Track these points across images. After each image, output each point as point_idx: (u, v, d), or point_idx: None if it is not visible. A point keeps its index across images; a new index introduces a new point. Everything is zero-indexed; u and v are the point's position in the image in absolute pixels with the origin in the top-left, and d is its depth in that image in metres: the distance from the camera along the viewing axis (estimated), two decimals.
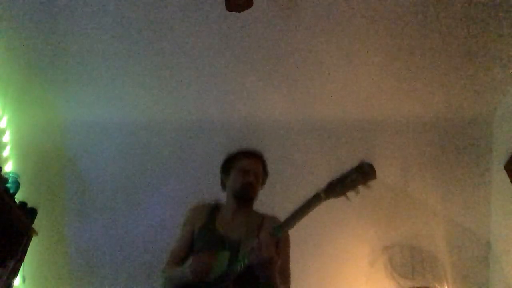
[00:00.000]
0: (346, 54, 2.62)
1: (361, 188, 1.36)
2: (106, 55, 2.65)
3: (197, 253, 1.58)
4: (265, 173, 1.82)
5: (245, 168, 1.73)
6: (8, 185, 2.45)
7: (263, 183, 1.82)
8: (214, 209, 1.74)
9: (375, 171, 1.33)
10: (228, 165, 1.81)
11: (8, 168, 2.67)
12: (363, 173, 1.35)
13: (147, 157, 3.15)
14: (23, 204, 2.55)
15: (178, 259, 1.62)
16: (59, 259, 3.14)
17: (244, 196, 1.70)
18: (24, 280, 2.61)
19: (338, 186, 1.39)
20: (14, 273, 2.40)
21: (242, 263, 1.41)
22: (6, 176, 2.48)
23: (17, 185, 2.53)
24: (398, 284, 3.06)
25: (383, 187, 3.10)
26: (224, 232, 1.61)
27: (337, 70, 2.72)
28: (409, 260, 3.10)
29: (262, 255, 1.35)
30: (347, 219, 3.17)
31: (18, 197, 2.52)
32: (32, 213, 2.61)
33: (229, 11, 1.99)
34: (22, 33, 2.50)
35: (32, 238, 2.56)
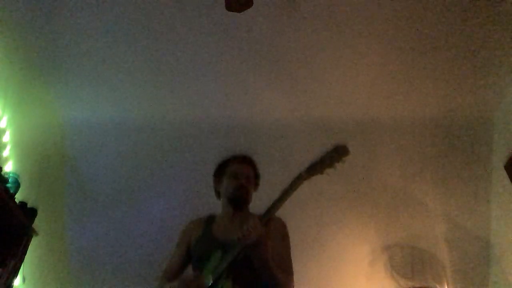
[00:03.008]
0: (346, 54, 2.62)
1: (337, 164, 1.57)
2: (106, 55, 2.65)
3: (196, 261, 1.61)
4: (256, 176, 1.84)
5: (236, 172, 1.77)
6: (8, 185, 2.45)
7: (257, 184, 1.84)
8: (209, 220, 1.76)
9: (347, 149, 1.58)
10: (219, 172, 1.84)
11: (8, 168, 2.67)
12: (337, 152, 1.58)
13: (147, 157, 3.15)
14: (23, 204, 2.54)
15: (172, 275, 1.64)
16: (59, 259, 3.14)
17: (238, 199, 1.72)
18: (24, 280, 2.61)
19: (318, 165, 1.58)
20: (14, 273, 2.39)
21: (234, 248, 1.44)
22: (6, 176, 2.47)
23: (17, 185, 2.52)
24: (398, 284, 3.06)
25: (383, 187, 3.10)
26: (221, 237, 1.62)
27: (337, 70, 2.72)
28: (409, 260, 3.10)
29: (251, 235, 1.40)
30: (347, 219, 3.17)
31: (18, 197, 2.51)
32: (32, 213, 2.60)
33: (229, 11, 1.99)
34: (22, 33, 2.49)
35: (32, 238, 2.56)
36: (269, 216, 1.53)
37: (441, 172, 3.05)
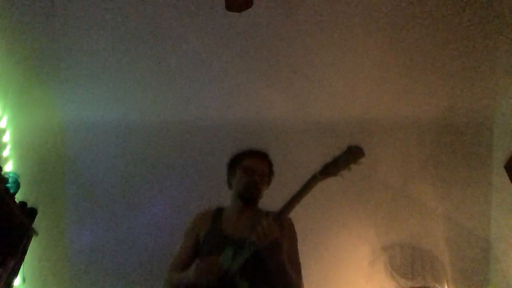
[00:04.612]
0: (346, 54, 2.62)
1: (352, 166, 1.51)
2: (106, 55, 2.65)
3: (205, 255, 1.58)
4: (271, 173, 1.82)
5: (250, 168, 1.72)
6: (8, 185, 2.45)
7: (269, 183, 1.82)
8: (218, 213, 1.74)
9: (363, 151, 1.51)
10: (234, 163, 1.81)
11: (8, 168, 2.67)
12: (353, 154, 1.52)
13: (147, 157, 3.15)
14: (23, 204, 2.54)
15: (181, 265, 1.62)
16: (59, 259, 3.14)
17: (249, 196, 1.70)
18: (24, 280, 2.61)
19: (333, 167, 1.52)
20: (14, 273, 2.39)
21: (248, 250, 1.43)
22: (6, 176, 2.47)
23: (17, 185, 2.52)
24: (398, 284, 3.06)
25: (383, 187, 3.10)
26: (231, 232, 1.61)
27: (337, 70, 2.72)
28: (409, 260, 3.10)
29: (267, 237, 1.38)
30: (347, 219, 3.17)
31: (18, 197, 2.52)
32: (32, 213, 2.60)
33: (229, 11, 1.99)
34: (22, 33, 2.50)
35: (32, 238, 2.56)
36: (283, 217, 1.51)
37: (441, 172, 3.05)
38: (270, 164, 1.81)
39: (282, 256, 1.44)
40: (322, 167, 1.52)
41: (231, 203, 1.76)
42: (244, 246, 1.45)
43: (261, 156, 1.79)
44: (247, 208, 1.70)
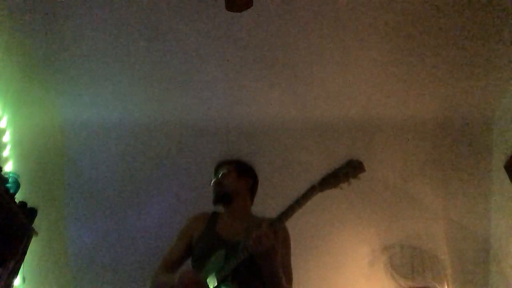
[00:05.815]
0: (346, 54, 2.62)
1: (352, 180, 1.51)
2: (106, 55, 2.65)
3: (197, 256, 1.60)
4: (235, 168, 1.84)
5: (214, 174, 1.85)
6: (8, 185, 2.45)
7: (240, 174, 1.82)
8: (214, 216, 1.76)
9: (363, 165, 1.52)
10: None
11: (8, 168, 2.67)
12: (353, 168, 1.51)
13: (146, 157, 3.15)
14: (23, 204, 2.54)
15: (170, 264, 1.64)
16: (59, 259, 3.14)
17: (215, 196, 1.76)
18: (24, 280, 2.61)
19: (332, 179, 1.52)
20: (14, 273, 2.39)
21: (242, 254, 1.43)
22: (6, 176, 2.47)
23: (17, 185, 2.52)
24: (398, 284, 3.06)
25: (383, 187, 3.10)
26: (224, 235, 1.62)
27: (337, 70, 2.72)
28: (409, 260, 3.10)
29: (262, 243, 1.38)
30: (347, 219, 3.17)
31: (18, 197, 2.51)
32: (32, 213, 2.60)
33: (229, 11, 1.99)
34: (22, 33, 2.50)
35: (32, 238, 2.56)
36: (279, 225, 1.51)
37: (441, 172, 3.05)
38: (230, 163, 1.87)
39: (276, 261, 1.43)
40: (321, 179, 1.53)
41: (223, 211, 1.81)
42: (238, 250, 1.45)
43: (219, 163, 1.90)
44: (236, 213, 1.73)
